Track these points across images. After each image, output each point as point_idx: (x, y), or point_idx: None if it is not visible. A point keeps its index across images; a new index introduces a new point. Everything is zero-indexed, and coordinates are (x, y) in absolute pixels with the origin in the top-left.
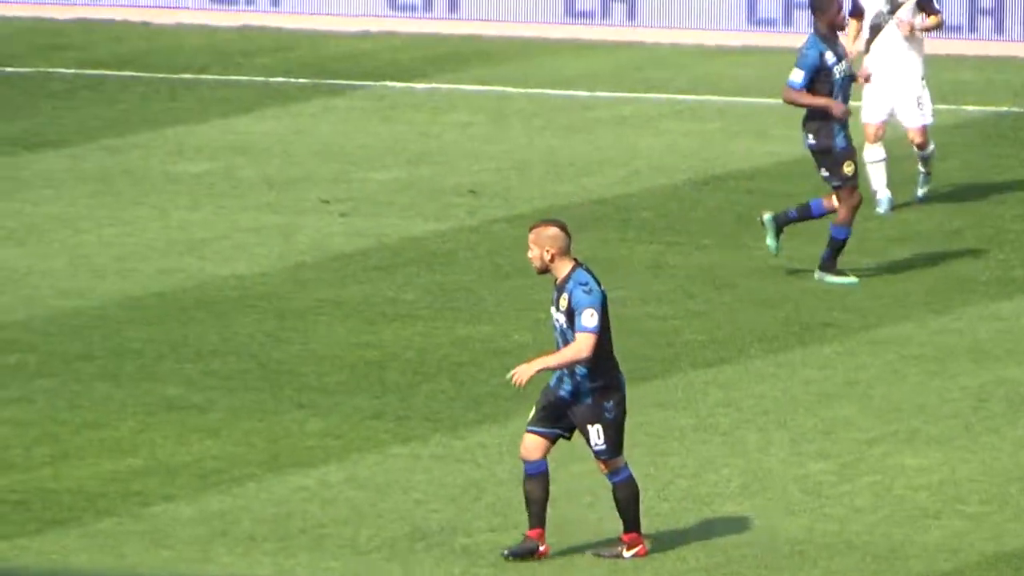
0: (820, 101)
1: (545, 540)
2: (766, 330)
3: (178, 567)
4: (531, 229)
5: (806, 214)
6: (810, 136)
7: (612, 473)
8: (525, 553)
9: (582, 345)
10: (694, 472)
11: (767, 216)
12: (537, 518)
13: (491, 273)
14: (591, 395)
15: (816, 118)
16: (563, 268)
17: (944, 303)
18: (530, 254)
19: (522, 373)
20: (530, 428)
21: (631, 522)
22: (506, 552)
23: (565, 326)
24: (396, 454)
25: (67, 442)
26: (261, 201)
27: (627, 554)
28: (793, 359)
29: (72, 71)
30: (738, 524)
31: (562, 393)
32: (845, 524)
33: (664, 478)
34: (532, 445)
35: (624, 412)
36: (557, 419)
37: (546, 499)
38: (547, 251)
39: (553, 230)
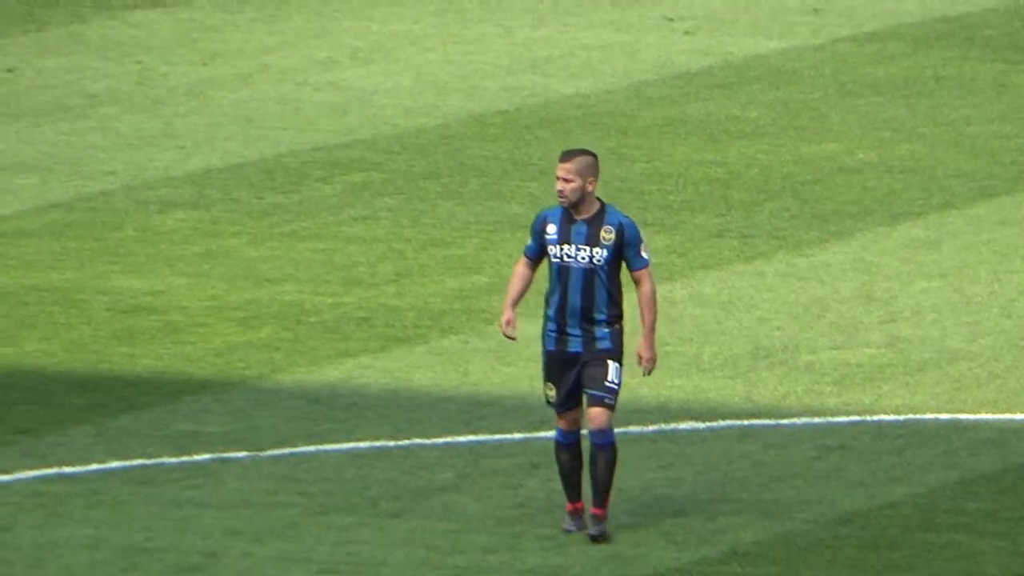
0: None
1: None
2: None
3: (521, 384)
4: (566, 159)
5: None
6: None
7: (604, 431)
8: (603, 532)
9: (652, 284)
10: None
11: None
12: (577, 489)
13: (836, 91)
14: (609, 337)
15: None
16: (594, 200)
17: None
18: (566, 185)
19: (654, 360)
20: (564, 408)
21: (608, 489)
22: (594, 534)
23: (596, 261)
24: (739, 272)
25: (411, 260)
26: (605, 19)
27: (607, 527)
28: None
29: None
30: None
31: (572, 350)
32: None
33: (1008, 295)
34: (574, 419)
35: None
36: (577, 384)
37: (580, 468)
38: (589, 182)
39: (591, 158)
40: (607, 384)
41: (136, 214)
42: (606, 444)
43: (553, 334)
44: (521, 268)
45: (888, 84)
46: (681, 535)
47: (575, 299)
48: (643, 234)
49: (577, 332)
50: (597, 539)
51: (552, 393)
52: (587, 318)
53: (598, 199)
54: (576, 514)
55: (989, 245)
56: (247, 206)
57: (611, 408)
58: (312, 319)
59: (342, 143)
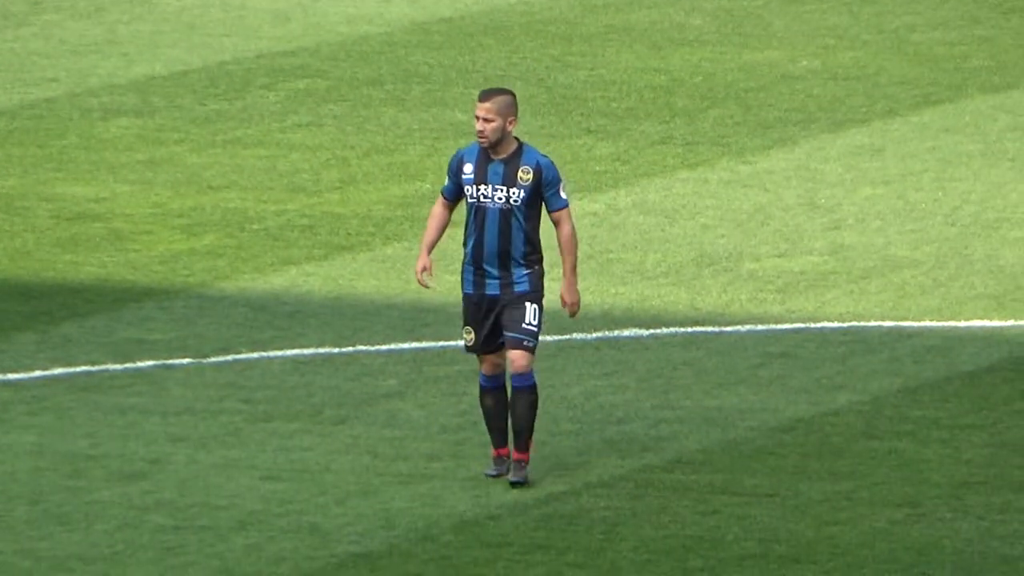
0: None
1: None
2: None
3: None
4: (486, 99)
5: None
6: None
7: (524, 375)
8: (524, 479)
9: (572, 225)
10: (981, 197)
11: None
12: (503, 434)
13: None
14: (527, 280)
15: None
16: (512, 140)
17: None
18: (487, 125)
19: (578, 303)
20: (483, 351)
21: (529, 433)
22: (514, 480)
23: (513, 202)
24: (683, 179)
25: (355, 167)
26: None
27: (530, 472)
28: None
29: None
30: None
31: (489, 293)
32: None
33: (951, 203)
34: (495, 363)
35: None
36: (495, 326)
37: (505, 414)
38: (509, 121)
39: (511, 97)
40: (525, 326)
41: (79, 121)
42: (526, 387)
43: (471, 276)
44: (438, 209)
45: None
46: (624, 443)
47: (492, 241)
48: (562, 174)
49: (495, 274)
50: (517, 485)
51: (470, 337)
52: (504, 260)
53: (516, 138)
54: (500, 460)
55: (933, 152)
56: (190, 113)
57: (531, 351)
58: (256, 226)
59: (286, 50)
